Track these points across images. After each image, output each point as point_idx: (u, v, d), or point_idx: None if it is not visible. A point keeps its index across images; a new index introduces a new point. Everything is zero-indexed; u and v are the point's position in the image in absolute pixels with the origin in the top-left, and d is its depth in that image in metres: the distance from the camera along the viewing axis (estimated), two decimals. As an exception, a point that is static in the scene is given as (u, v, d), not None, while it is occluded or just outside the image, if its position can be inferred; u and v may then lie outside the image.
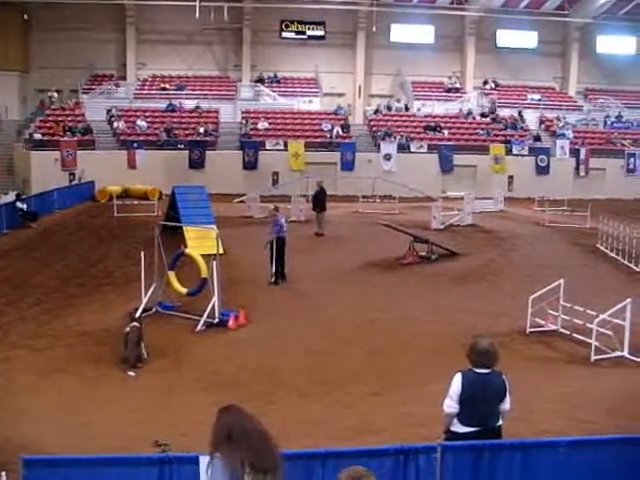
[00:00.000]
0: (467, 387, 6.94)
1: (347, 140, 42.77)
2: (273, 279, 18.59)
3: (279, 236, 19.05)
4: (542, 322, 14.40)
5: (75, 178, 37.70)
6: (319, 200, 27.24)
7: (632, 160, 44.98)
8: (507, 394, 7.05)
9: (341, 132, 43.13)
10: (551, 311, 14.37)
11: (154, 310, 15.33)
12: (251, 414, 5.08)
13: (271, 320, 15.13)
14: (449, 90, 50.18)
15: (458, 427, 6.94)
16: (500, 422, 7.08)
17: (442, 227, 28.08)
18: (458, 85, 50.75)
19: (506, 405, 7.06)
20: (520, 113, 47.77)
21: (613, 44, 52.52)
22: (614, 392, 11.08)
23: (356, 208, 33.45)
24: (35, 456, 6.29)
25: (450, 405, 6.95)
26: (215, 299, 14.70)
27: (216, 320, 14.57)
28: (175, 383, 11.29)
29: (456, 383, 6.97)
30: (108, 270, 20.02)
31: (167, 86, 45.99)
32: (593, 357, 12.54)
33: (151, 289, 15.32)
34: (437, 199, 32.42)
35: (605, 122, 49.12)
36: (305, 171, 39.19)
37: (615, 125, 48.76)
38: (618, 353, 12.68)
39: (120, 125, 41.31)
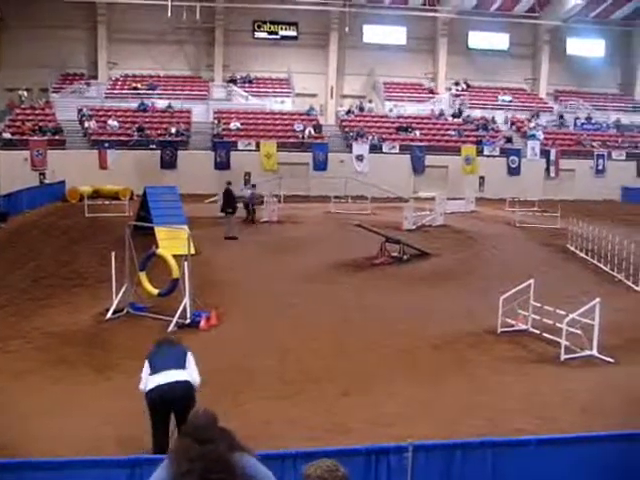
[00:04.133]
0: None
1: (319, 141, 42.80)
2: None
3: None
4: (513, 322, 14.51)
5: (45, 178, 37.36)
6: (227, 201, 26.24)
7: (601, 161, 45.47)
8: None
9: (313, 132, 43.13)
10: (521, 311, 14.48)
11: (125, 311, 15.23)
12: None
13: (243, 320, 15.09)
14: (431, 91, 50.37)
15: None
16: None
17: (414, 227, 28.16)
18: (433, 84, 51.02)
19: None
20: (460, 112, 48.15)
21: (583, 46, 53.13)
22: (584, 391, 11.19)
23: (328, 208, 33.46)
24: (1, 460, 6.22)
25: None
26: (186, 300, 14.63)
27: (188, 321, 14.50)
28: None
29: None
30: (79, 271, 19.84)
31: (139, 86, 45.67)
32: (563, 356, 12.65)
33: (122, 290, 15.23)
34: (409, 200, 32.54)
35: (575, 124, 49.59)
36: (277, 171, 39.19)
37: (585, 127, 49.24)
38: (587, 352, 12.80)
39: (91, 125, 40.99)
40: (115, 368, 11.98)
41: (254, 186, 30.97)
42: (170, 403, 7.86)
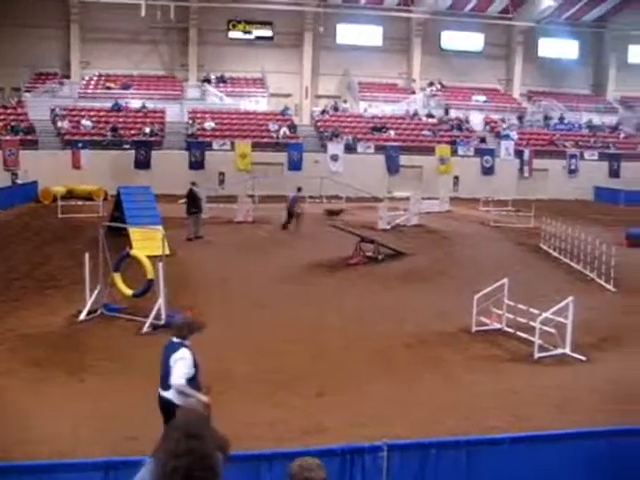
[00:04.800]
0: None
1: (294, 141, 42.80)
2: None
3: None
4: (487, 321, 14.61)
5: (18, 178, 37.03)
6: (190, 201, 25.82)
7: (574, 161, 45.89)
8: None
9: (288, 132, 43.14)
10: (495, 310, 14.58)
11: (99, 312, 15.13)
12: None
13: (218, 321, 15.00)
14: (413, 92, 50.55)
15: None
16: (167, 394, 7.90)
17: (389, 227, 28.24)
18: (412, 85, 51.21)
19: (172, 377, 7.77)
20: (447, 111, 48.44)
21: (555, 48, 53.76)
22: (557, 389, 11.30)
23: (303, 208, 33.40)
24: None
25: None
26: (161, 300, 14.57)
27: (162, 322, 14.43)
28: (121, 386, 11.14)
29: None
30: (52, 272, 19.66)
31: (112, 85, 45.43)
32: (536, 355, 12.76)
33: (96, 291, 15.13)
34: (383, 199, 32.61)
35: (548, 124, 50.00)
36: (252, 171, 39.13)
37: (557, 127, 49.67)
38: (560, 350, 12.93)
39: (64, 124, 40.69)
40: (89, 370, 11.90)
41: (300, 189, 29.47)
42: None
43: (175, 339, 8.02)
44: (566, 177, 45.72)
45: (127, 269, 16.34)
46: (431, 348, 13.48)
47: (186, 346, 7.93)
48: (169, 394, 7.83)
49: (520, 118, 50.11)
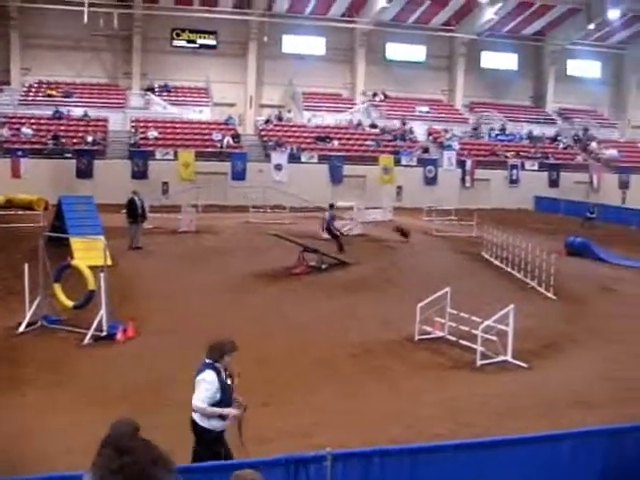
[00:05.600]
0: None
1: (238, 150, 42.65)
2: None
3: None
4: (430, 329, 14.73)
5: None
6: (130, 210, 25.45)
7: (515, 171, 46.67)
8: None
9: (232, 142, 42.97)
10: (438, 318, 14.71)
11: (39, 324, 14.85)
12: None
13: (161, 332, 14.90)
14: (365, 102, 50.83)
15: None
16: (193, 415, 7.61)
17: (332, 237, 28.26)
18: (356, 95, 51.54)
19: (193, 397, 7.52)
20: (404, 123, 48.92)
21: (497, 60, 54.76)
22: (498, 395, 11.45)
23: (247, 218, 33.35)
24: None
25: None
26: (103, 311, 14.36)
27: (104, 333, 14.23)
28: (60, 399, 10.95)
29: None
30: (-10, 283, 19.27)
31: (54, 93, 44.67)
32: (478, 362, 12.91)
33: (36, 302, 14.84)
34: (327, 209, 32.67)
35: (489, 135, 50.77)
36: (195, 181, 38.87)
37: (499, 137, 50.48)
38: (502, 358, 13.11)
39: (4, 132, 39.90)
40: (30, 383, 11.65)
41: (332, 206, 27.72)
42: None
43: (207, 360, 7.65)
44: (507, 187, 46.46)
45: (68, 280, 16.08)
46: (375, 357, 13.53)
47: (214, 368, 7.53)
48: (194, 415, 7.57)
49: (475, 129, 50.76)
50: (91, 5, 42.61)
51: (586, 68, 57.05)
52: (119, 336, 14.21)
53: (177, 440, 8.77)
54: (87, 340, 13.97)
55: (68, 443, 8.99)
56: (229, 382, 7.58)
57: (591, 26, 50.97)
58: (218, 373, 7.52)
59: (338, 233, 26.03)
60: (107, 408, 10.05)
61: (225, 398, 7.48)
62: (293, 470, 6.34)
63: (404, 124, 48.82)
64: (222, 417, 7.54)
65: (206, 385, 7.44)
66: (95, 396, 11.03)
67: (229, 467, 6.02)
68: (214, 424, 7.51)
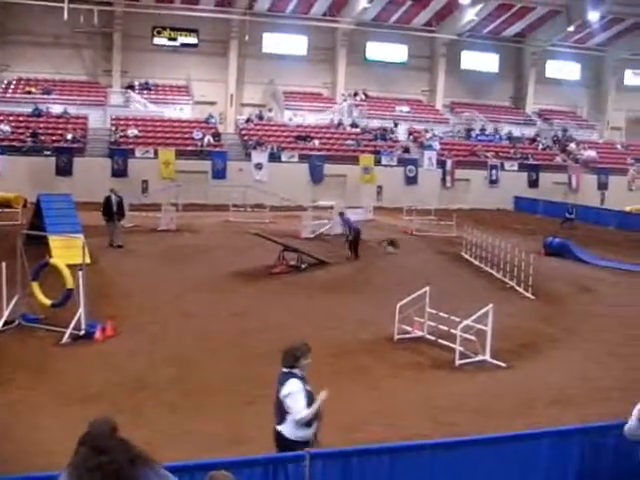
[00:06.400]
0: None
1: (218, 149, 42.59)
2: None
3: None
4: (409, 329, 14.76)
5: None
6: (106, 208, 25.41)
7: (494, 172, 46.90)
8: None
9: (212, 141, 42.90)
10: (417, 318, 14.74)
11: (17, 323, 14.72)
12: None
13: (140, 331, 14.83)
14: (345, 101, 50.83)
15: None
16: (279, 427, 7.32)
17: (312, 236, 28.35)
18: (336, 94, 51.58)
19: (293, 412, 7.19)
20: (396, 125, 49.09)
21: (477, 61, 55.00)
22: (477, 394, 11.50)
23: (227, 217, 33.32)
24: None
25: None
26: (81, 310, 14.27)
27: (82, 332, 14.14)
28: (38, 398, 10.86)
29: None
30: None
31: (33, 90, 44.37)
32: (457, 361, 12.95)
33: (13, 301, 14.71)
34: (307, 208, 32.72)
35: (469, 135, 50.98)
36: (176, 179, 38.75)
37: (479, 138, 50.70)
38: (480, 357, 13.16)
39: (-19, 129, 39.64)
40: (7, 383, 11.54)
41: (342, 214, 27.01)
42: None
43: (284, 369, 7.38)
44: (487, 187, 46.70)
45: (47, 278, 15.95)
46: (354, 356, 13.54)
47: (295, 375, 7.27)
48: (282, 427, 7.26)
49: (469, 131, 50.94)
50: (71, 1, 42.41)
51: (566, 70, 57.49)
52: (98, 335, 14.12)
53: (157, 438, 8.78)
54: (65, 339, 13.86)
55: (47, 443, 8.92)
56: (308, 387, 7.32)
57: (571, 28, 51.33)
58: (299, 378, 7.29)
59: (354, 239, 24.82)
60: (86, 407, 10.01)
61: (310, 402, 7.22)
62: (272, 470, 6.33)
63: (395, 125, 49.01)
64: (308, 422, 7.26)
65: (296, 395, 7.16)
66: (74, 395, 10.96)
67: (200, 466, 6.01)
68: (302, 435, 7.22)
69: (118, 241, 24.92)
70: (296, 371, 7.32)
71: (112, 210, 25.28)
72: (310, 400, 7.18)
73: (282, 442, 7.23)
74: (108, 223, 25.27)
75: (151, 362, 12.78)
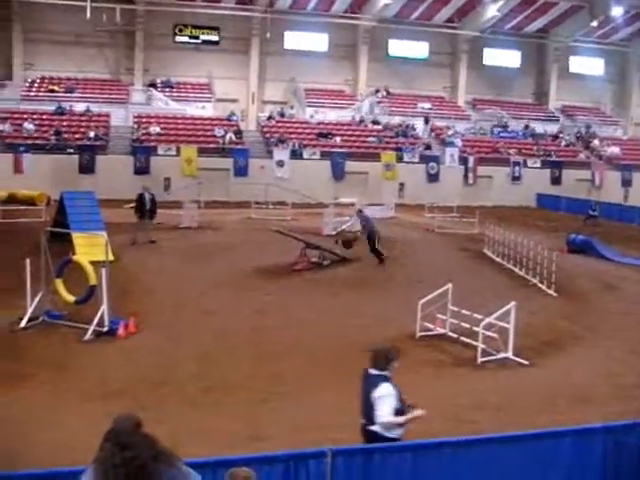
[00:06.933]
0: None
1: (240, 146, 42.65)
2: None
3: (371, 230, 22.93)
4: (431, 326, 14.72)
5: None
6: (139, 205, 25.56)
7: (517, 168, 46.61)
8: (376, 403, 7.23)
9: (234, 138, 42.97)
10: (440, 315, 14.70)
11: (41, 319, 14.85)
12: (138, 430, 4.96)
13: (162, 328, 14.91)
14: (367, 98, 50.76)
15: None
16: (373, 427, 7.27)
17: (334, 233, 28.31)
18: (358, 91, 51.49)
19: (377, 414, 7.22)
20: (427, 121, 49.03)
21: (499, 57, 54.66)
22: (499, 392, 11.46)
23: (249, 214, 33.37)
24: None
25: None
26: (104, 307, 14.37)
27: (105, 328, 14.23)
28: (62, 395, 10.95)
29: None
30: (-9, 278, 19.25)
31: (56, 88, 44.67)
32: (479, 359, 12.90)
33: (37, 297, 14.84)
34: (329, 205, 32.69)
35: (492, 132, 50.72)
36: (198, 177, 38.87)
37: (501, 135, 50.42)
38: (503, 355, 13.11)
39: (6, 128, 39.91)
40: (32, 378, 11.65)
41: (361, 211, 25.18)
42: None
43: (373, 371, 7.44)
44: (510, 184, 46.43)
45: (70, 275, 16.07)
46: (376, 353, 13.50)
47: (387, 379, 7.34)
48: (376, 427, 7.29)
49: (504, 127, 50.75)
50: (94, 0, 42.63)
51: (589, 65, 56.85)
52: (120, 332, 14.21)
53: (178, 434, 8.83)
54: (88, 335, 13.96)
55: (69, 439, 9.00)
56: (397, 390, 7.37)
57: (594, 23, 50.82)
58: (390, 382, 7.36)
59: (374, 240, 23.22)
60: (108, 403, 10.08)
61: (401, 405, 7.30)
62: (293, 466, 6.34)
63: (427, 122, 48.98)
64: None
65: (388, 399, 7.23)
66: (96, 391, 11.05)
67: (235, 462, 6.03)
68: (398, 432, 7.32)
69: (149, 237, 25.13)
70: (386, 373, 7.40)
71: (145, 208, 25.47)
72: (400, 400, 7.29)
73: (376, 440, 7.25)
74: (140, 220, 25.38)
75: (173, 358, 12.84)
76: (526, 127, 51.64)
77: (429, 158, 45.22)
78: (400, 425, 7.29)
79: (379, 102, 50.86)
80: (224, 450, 8.12)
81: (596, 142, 51.84)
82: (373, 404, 7.24)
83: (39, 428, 9.55)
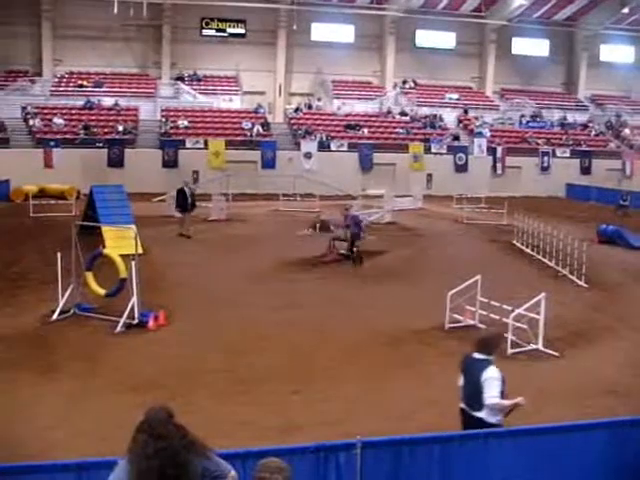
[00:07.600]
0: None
1: (268, 138, 42.76)
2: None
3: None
4: (460, 318, 14.67)
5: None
6: (180, 200, 26.30)
7: (546, 159, 46.27)
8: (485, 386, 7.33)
9: (262, 130, 43.10)
10: (469, 307, 14.64)
11: (72, 312, 15.01)
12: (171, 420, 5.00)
13: (192, 320, 14.99)
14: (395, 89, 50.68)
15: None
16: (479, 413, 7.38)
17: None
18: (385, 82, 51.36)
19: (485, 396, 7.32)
20: (466, 112, 48.81)
21: (527, 46, 54.16)
22: (529, 384, 11.36)
23: (277, 206, 33.44)
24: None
25: None
26: (134, 299, 14.48)
27: (135, 321, 14.35)
28: (93, 386, 11.06)
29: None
30: (24, 271, 19.48)
31: (85, 83, 45.09)
32: (509, 351, 12.82)
33: (68, 290, 14.99)
34: (357, 197, 32.65)
35: (520, 121, 50.34)
36: (226, 169, 39.01)
37: (530, 124, 50.02)
38: (533, 346, 13.04)
39: (36, 123, 40.34)
40: (62, 370, 11.78)
41: (347, 210, 23.15)
42: None
43: (478, 355, 7.58)
44: (539, 174, 46.12)
45: (100, 268, 16.23)
46: (405, 345, 13.51)
47: (492, 363, 7.49)
48: (482, 414, 7.40)
49: (535, 117, 50.40)
50: (121, -5, 42.92)
51: (619, 53, 56.16)
52: (151, 324, 14.32)
53: (208, 426, 8.88)
54: (119, 328, 14.08)
55: (100, 430, 9.10)
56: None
57: (625, 10, 50.24)
58: (495, 366, 7.49)
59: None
60: (139, 395, 10.17)
61: (504, 389, 7.44)
62: (323, 458, 6.36)
63: (466, 112, 48.77)
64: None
65: (496, 382, 7.34)
66: (128, 383, 11.14)
67: (251, 454, 6.06)
68: (499, 418, 7.44)
69: (188, 232, 25.42)
70: (491, 358, 7.55)
71: (187, 202, 25.94)
72: (504, 384, 7.41)
73: (481, 427, 7.32)
74: (183, 214, 25.94)
75: (203, 350, 12.92)
76: (564, 119, 51.08)
77: (457, 149, 45.05)
78: (501, 410, 7.38)
79: (406, 93, 50.65)
80: (254, 441, 8.17)
81: (627, 131, 51.27)
82: (482, 386, 7.32)
83: (71, 419, 9.66)
